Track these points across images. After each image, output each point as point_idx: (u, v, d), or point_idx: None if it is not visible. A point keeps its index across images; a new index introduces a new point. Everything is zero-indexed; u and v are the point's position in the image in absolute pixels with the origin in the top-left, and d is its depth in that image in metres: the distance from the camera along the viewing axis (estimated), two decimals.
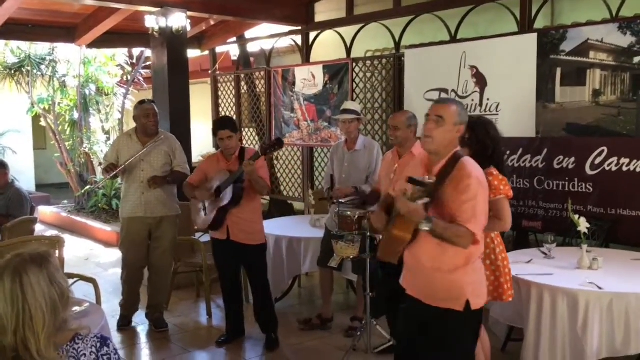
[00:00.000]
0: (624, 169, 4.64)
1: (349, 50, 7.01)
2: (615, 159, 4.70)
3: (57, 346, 1.73)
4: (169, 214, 4.88)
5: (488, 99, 5.52)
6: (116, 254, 7.87)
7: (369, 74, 6.73)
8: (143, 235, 4.85)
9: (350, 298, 5.69)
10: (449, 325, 2.73)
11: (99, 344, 1.82)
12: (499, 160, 3.52)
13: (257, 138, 8.58)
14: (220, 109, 8.91)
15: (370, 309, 4.10)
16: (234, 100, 8.67)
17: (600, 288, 3.36)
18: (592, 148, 4.82)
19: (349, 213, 4.04)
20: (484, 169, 3.42)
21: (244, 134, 8.56)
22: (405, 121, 4.08)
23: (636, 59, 4.56)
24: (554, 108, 5.08)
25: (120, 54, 10.10)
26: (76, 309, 3.09)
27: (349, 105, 4.83)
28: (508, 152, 5.21)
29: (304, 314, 5.18)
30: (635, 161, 4.58)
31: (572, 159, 4.94)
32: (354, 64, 6.83)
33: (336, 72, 7.01)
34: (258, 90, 8.39)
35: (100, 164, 10.79)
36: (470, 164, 2.74)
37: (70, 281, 4.04)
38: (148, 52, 9.53)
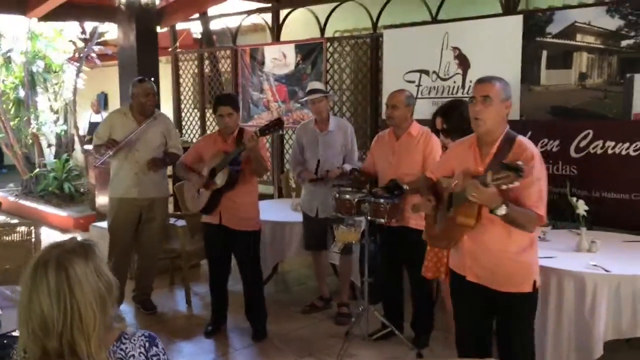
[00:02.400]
0: (609, 152, 4.68)
1: (322, 30, 6.81)
2: (600, 142, 4.72)
3: (106, 348, 1.52)
4: (161, 196, 4.75)
5: (471, 81, 5.45)
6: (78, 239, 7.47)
7: (344, 54, 6.57)
8: (134, 217, 4.69)
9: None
10: (525, 309, 2.74)
11: (147, 344, 1.62)
12: None
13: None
14: (182, 89, 8.55)
15: (368, 294, 3.99)
16: (196, 79, 8.33)
17: (607, 271, 3.35)
18: (577, 131, 4.83)
19: (347, 196, 3.91)
20: None
21: (207, 115, 8.25)
22: (404, 100, 3.97)
23: (624, 43, 4.59)
24: (539, 91, 5.07)
25: (71, 28, 9.53)
26: None
27: (315, 85, 4.77)
28: None
29: (283, 301, 5.08)
30: (620, 144, 4.62)
31: (557, 142, 4.94)
32: (329, 44, 6.65)
33: (309, 51, 6.80)
34: (223, 69, 8.09)
35: (49, 145, 10.25)
36: (529, 143, 2.68)
37: None
38: (102, 27, 9.06)
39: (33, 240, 3.70)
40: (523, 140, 2.68)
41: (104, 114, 11.48)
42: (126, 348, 1.58)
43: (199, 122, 8.36)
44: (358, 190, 3.99)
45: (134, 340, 1.60)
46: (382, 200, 3.79)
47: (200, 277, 5.61)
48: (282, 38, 7.30)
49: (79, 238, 1.62)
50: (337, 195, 3.95)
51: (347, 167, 4.54)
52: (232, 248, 4.19)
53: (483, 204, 2.55)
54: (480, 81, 2.76)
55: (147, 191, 4.66)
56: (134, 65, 6.23)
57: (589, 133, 4.79)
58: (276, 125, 3.94)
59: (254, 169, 4.01)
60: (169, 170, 5.16)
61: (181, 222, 5.37)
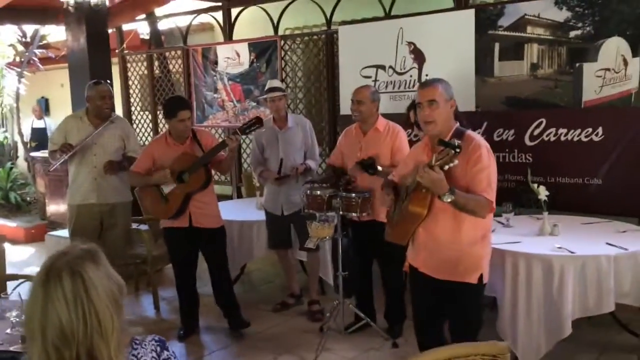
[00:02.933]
0: (562, 138, 4.87)
1: (276, 28, 6.81)
2: (553, 129, 4.91)
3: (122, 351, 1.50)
4: (123, 200, 4.64)
5: (427, 75, 5.57)
6: (28, 251, 7.23)
7: (299, 52, 6.59)
8: (95, 224, 4.57)
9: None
10: (466, 298, 2.77)
11: (158, 348, 1.60)
12: None
13: None
14: (131, 91, 8.37)
15: (343, 289, 4.03)
16: (146, 81, 8.17)
17: (572, 252, 3.51)
18: (530, 120, 5.01)
19: (319, 192, 3.94)
20: None
21: (159, 117, 8.11)
22: (369, 95, 4.03)
23: (572, 33, 4.78)
24: (493, 82, 5.22)
25: (8, 32, 9.18)
26: None
27: (274, 83, 4.76)
28: None
29: (252, 301, 5.07)
30: (572, 131, 4.82)
31: (512, 131, 5.11)
32: (283, 42, 6.65)
33: (263, 49, 6.79)
34: (173, 70, 7.97)
35: None
36: (476, 136, 2.78)
37: (15, 283, 3.64)
38: (43, 30, 8.77)
39: None
40: (471, 133, 2.83)
41: (47, 120, 11.13)
42: (138, 353, 1.56)
43: (150, 125, 8.21)
44: (328, 186, 4.02)
45: (145, 345, 1.59)
46: (353, 195, 3.84)
47: (165, 281, 5.53)
48: (234, 37, 7.25)
49: (82, 245, 1.59)
50: (308, 192, 3.98)
51: (311, 163, 4.57)
52: (201, 247, 4.16)
53: (430, 189, 2.64)
54: (423, 86, 2.90)
55: (106, 196, 4.55)
56: (86, 68, 6.05)
57: (542, 122, 4.97)
58: (255, 123, 3.96)
59: (224, 168, 4.01)
60: None
61: (143, 227, 5.28)
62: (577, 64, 4.75)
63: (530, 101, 5.05)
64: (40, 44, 8.82)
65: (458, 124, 2.83)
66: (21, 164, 11.24)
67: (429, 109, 2.74)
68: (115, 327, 1.45)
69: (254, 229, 4.81)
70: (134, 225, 5.32)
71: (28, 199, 9.27)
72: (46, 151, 8.76)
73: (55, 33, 9.54)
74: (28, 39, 9.03)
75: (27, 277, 3.66)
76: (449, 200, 2.57)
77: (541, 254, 3.52)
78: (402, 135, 4.09)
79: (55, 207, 7.45)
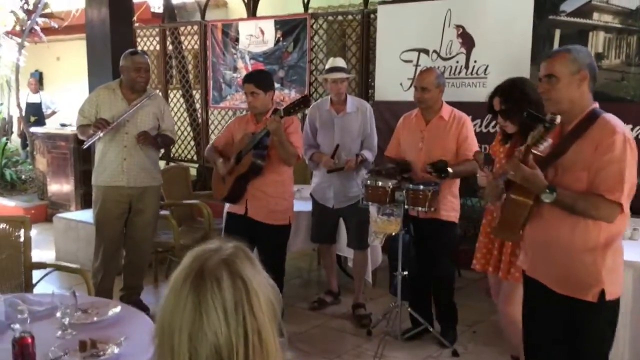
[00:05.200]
0: None
1: (306, 4, 6.37)
2: None
3: None
4: (153, 184, 4.21)
5: (475, 61, 5.20)
6: (33, 232, 6.73)
7: (330, 32, 6.17)
8: (123, 207, 4.15)
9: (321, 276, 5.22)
10: (587, 321, 2.30)
11: None
12: None
13: (181, 101, 7.71)
14: None
15: (402, 290, 3.66)
16: (159, 57, 7.68)
17: None
18: None
19: (381, 183, 3.54)
20: None
21: (171, 97, 7.65)
22: (434, 81, 3.65)
23: None
24: None
25: None
26: (112, 311, 2.34)
27: (338, 62, 4.28)
28: None
29: (285, 296, 4.66)
30: (638, 127, 4.49)
31: None
32: (313, 20, 6.22)
33: (291, 28, 6.35)
34: (186, 46, 7.50)
35: None
36: (614, 119, 2.31)
37: (41, 273, 3.22)
38: None
39: (22, 240, 3.12)
40: (608, 117, 2.31)
41: (42, 94, 10.56)
42: None
43: None
44: (390, 176, 3.62)
45: None
46: (421, 187, 3.45)
47: None
48: (259, 13, 6.81)
49: (227, 241, 1.20)
50: (369, 182, 3.58)
51: (367, 154, 4.14)
52: (256, 242, 3.67)
53: (526, 185, 2.27)
54: (546, 57, 2.44)
55: (137, 179, 4.13)
56: (107, 40, 5.53)
57: None
58: (302, 103, 3.50)
59: (281, 155, 3.56)
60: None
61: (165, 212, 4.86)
62: None
63: (593, 94, 4.70)
64: (43, 12, 8.26)
65: (596, 104, 2.39)
66: (15, 139, 10.68)
67: (547, 84, 2.34)
68: (277, 349, 1.12)
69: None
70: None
71: (23, 177, 8.74)
72: (46, 126, 8.38)
73: (58, 1, 9.01)
74: (30, 7, 8.45)
75: (56, 266, 3.24)
76: (548, 200, 2.20)
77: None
78: (469, 125, 3.73)
79: (58, 187, 6.95)
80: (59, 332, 2.15)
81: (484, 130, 4.95)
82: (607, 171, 2.22)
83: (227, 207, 3.88)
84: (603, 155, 2.22)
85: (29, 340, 1.85)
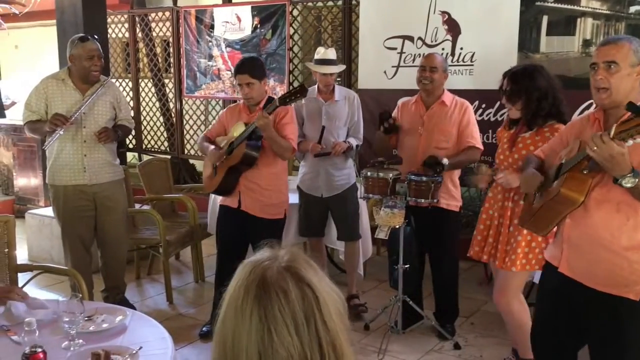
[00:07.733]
0: None
1: None
2: None
3: None
4: (116, 178, 3.97)
5: (462, 48, 5.14)
6: None
7: (310, 18, 6.02)
8: (88, 206, 3.88)
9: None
10: (624, 320, 2.20)
11: None
12: (559, 111, 3.14)
13: (153, 90, 7.45)
14: (110, 55, 7.56)
15: (403, 283, 3.58)
16: (126, 44, 7.40)
17: None
18: (579, 101, 4.66)
19: (381, 174, 3.44)
20: (542, 126, 3.03)
21: (142, 86, 7.38)
22: (442, 63, 3.61)
23: (632, 9, 4.44)
24: (539, 59, 4.83)
25: None
26: (119, 318, 2.17)
27: (329, 54, 4.10)
28: (484, 106, 4.94)
29: None
30: None
31: None
32: (292, 7, 6.06)
33: (269, 14, 6.17)
34: (155, 33, 7.24)
35: None
36: None
37: (28, 275, 3.03)
38: None
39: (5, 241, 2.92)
40: None
41: (1, 84, 10.08)
42: None
43: (130, 93, 7.45)
44: (390, 167, 3.52)
45: None
46: (424, 179, 3.37)
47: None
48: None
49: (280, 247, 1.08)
50: (369, 173, 3.48)
51: (353, 141, 4.06)
52: (251, 237, 3.55)
53: (605, 167, 2.07)
54: (605, 43, 2.28)
55: (99, 175, 3.87)
56: (79, 27, 5.23)
57: (591, 103, 4.63)
58: (298, 92, 3.35)
59: (274, 150, 3.42)
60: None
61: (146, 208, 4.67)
62: None
63: (581, 81, 4.68)
64: None
65: None
66: None
67: (606, 71, 2.16)
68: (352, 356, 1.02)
69: None
70: (137, 206, 4.70)
71: None
72: (12, 119, 7.98)
73: None
74: None
75: (44, 268, 3.03)
76: (630, 185, 2.02)
77: None
78: (470, 111, 3.69)
79: (25, 181, 6.65)
80: (65, 343, 1.98)
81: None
82: None
83: (220, 199, 3.73)
84: None
85: (41, 355, 1.68)
